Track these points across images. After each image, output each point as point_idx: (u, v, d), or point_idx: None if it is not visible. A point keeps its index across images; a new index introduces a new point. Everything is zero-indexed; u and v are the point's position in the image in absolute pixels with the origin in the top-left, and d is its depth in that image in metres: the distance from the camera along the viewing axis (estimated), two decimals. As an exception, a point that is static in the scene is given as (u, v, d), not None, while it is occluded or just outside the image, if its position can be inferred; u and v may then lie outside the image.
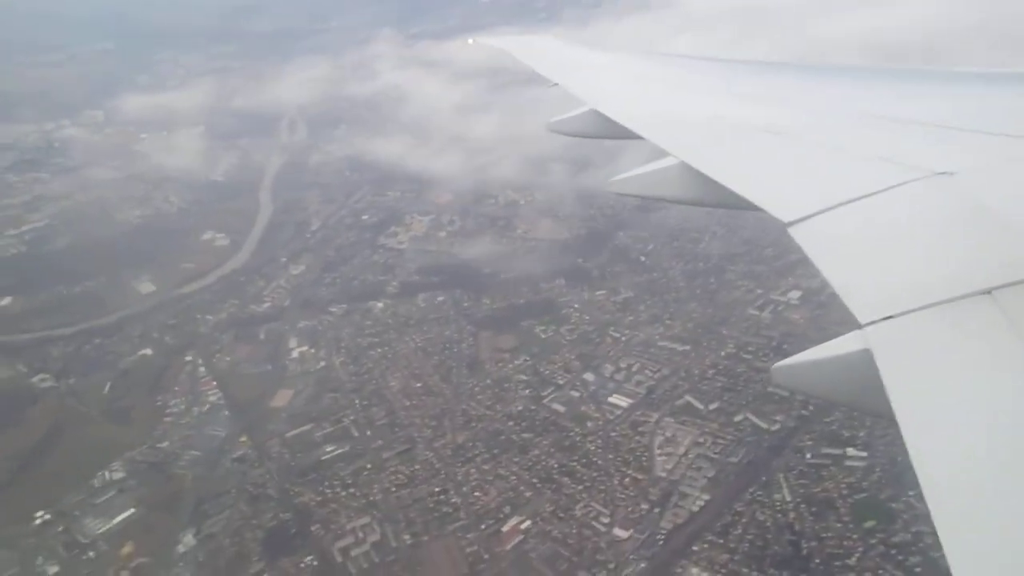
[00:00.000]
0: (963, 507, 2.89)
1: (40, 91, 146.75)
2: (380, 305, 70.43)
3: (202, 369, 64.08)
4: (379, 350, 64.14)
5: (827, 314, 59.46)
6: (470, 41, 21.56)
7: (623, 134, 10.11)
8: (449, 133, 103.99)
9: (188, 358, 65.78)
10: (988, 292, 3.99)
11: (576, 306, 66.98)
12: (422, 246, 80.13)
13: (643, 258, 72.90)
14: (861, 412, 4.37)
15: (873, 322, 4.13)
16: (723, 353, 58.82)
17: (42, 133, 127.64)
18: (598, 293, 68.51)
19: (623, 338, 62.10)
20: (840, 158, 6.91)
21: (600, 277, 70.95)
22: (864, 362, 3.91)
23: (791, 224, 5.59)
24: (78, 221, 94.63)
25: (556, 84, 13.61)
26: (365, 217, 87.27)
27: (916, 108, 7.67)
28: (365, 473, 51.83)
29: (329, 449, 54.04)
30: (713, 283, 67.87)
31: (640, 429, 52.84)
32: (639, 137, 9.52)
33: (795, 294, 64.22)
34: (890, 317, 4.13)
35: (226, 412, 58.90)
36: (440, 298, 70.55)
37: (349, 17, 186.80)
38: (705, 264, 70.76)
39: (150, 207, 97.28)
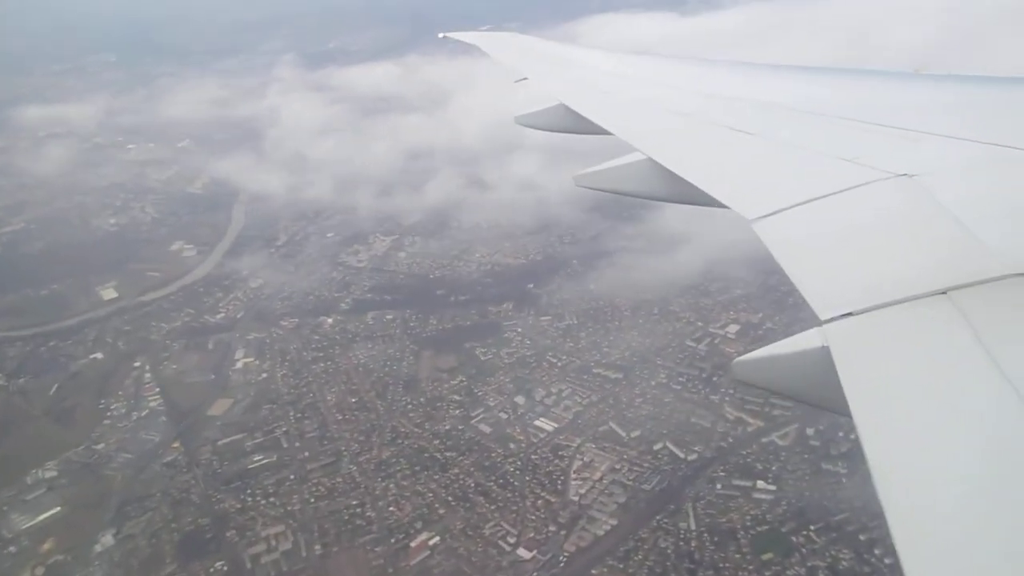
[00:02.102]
0: (915, 501, 2.92)
1: (36, 99, 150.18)
2: (330, 321, 71.73)
3: (148, 375, 65.32)
4: (322, 364, 65.31)
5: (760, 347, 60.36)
6: (440, 36, 21.38)
7: (591, 129, 10.10)
8: (421, 157, 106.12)
9: (136, 364, 67.08)
10: (944, 292, 4.03)
11: (520, 330, 68.09)
12: (381, 265, 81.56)
13: (592, 286, 74.00)
14: (818, 407, 4.30)
15: (832, 319, 4.17)
16: (654, 383, 59.76)
17: (33, 140, 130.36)
18: (543, 318, 69.62)
19: (559, 363, 63.12)
20: (805, 158, 6.99)
21: (548, 303, 72.08)
22: (822, 358, 3.95)
23: (754, 221, 5.72)
24: (55, 226, 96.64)
25: (525, 79, 13.69)
26: (330, 235, 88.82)
27: (882, 110, 7.75)
28: (288, 483, 52.84)
29: (257, 459, 55.07)
30: (656, 313, 68.83)
31: (560, 453, 53.74)
32: (607, 132, 9.57)
33: (733, 328, 65.34)
34: (848, 315, 4.16)
35: (163, 418, 60.05)
36: (389, 316, 71.83)
37: (356, 39, 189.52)
38: (652, 294, 71.71)
39: (126, 216, 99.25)
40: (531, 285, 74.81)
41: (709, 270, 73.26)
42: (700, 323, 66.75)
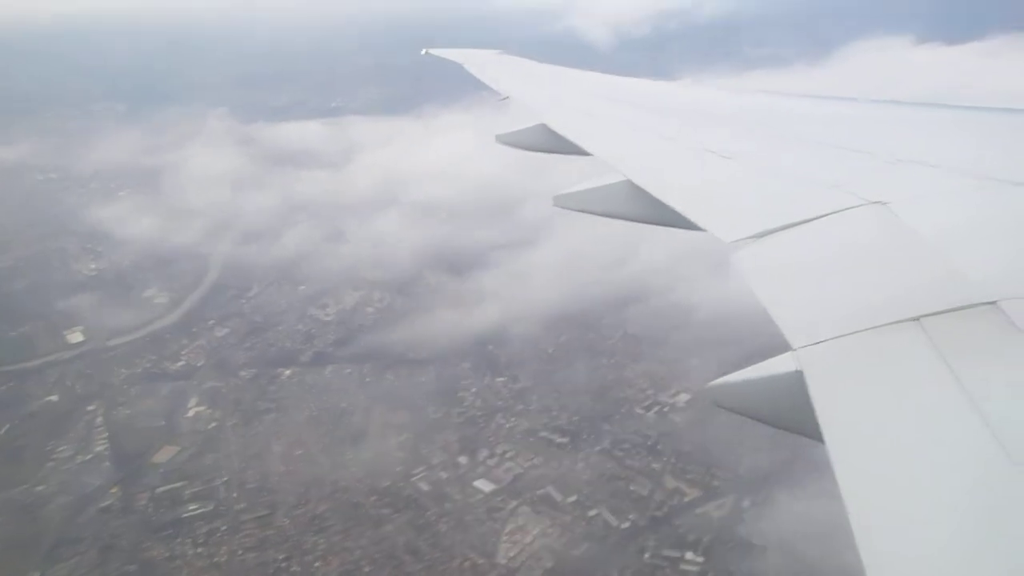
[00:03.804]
0: (883, 523, 2.93)
1: (37, 143, 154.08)
2: (288, 372, 72.09)
3: (100, 419, 65.56)
4: (273, 416, 65.48)
5: (708, 418, 60.63)
6: (424, 52, 21.95)
7: (571, 149, 10.13)
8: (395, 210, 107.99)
9: (91, 407, 67.32)
10: (916, 320, 4.06)
11: (474, 390, 68.29)
12: (347, 319, 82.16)
13: (551, 350, 74.39)
14: (791, 431, 4.26)
15: (805, 346, 4.19)
16: (597, 448, 59.78)
17: (30, 182, 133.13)
18: (498, 379, 69.87)
19: (507, 425, 63.24)
20: (782, 183, 7.03)
21: (505, 364, 72.36)
22: (795, 383, 3.97)
23: (730, 245, 5.79)
24: (37, 268, 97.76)
25: (506, 97, 13.89)
26: (302, 287, 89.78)
27: (859, 137, 7.84)
28: (219, 534, 52.61)
29: (192, 507, 54.93)
30: (610, 379, 69.15)
31: (495, 515, 53.56)
32: (587, 153, 9.64)
33: (684, 397, 65.38)
34: (822, 341, 4.18)
35: (107, 463, 60.13)
36: (348, 371, 72.18)
37: (356, 98, 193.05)
38: (609, 360, 72.14)
39: (106, 260, 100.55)
40: (491, 346, 75.18)
41: (667, 339, 73.65)
42: (651, 391, 66.95)
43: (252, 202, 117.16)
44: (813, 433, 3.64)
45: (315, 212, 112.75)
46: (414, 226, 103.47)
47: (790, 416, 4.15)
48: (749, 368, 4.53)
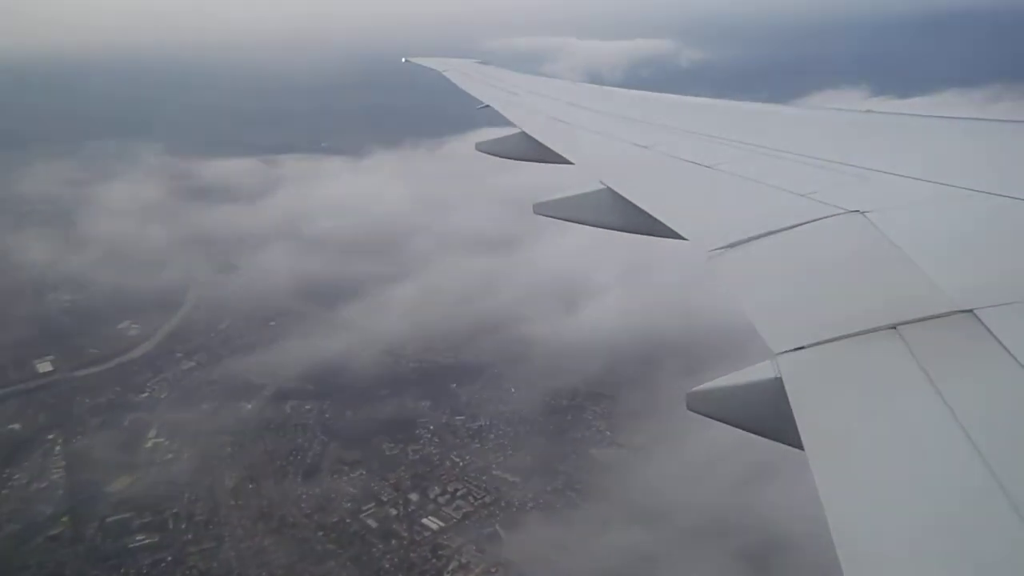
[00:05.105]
0: (862, 528, 2.92)
1: (27, 178, 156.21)
2: (249, 406, 72.47)
3: (58, 448, 65.86)
4: (229, 449, 65.74)
5: (662, 461, 61.08)
6: (403, 60, 22.48)
7: (550, 158, 10.22)
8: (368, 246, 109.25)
9: (50, 436, 67.64)
10: (894, 327, 4.08)
11: (431, 428, 68.67)
12: (313, 354, 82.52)
13: (513, 390, 74.87)
14: (769, 438, 4.21)
15: (784, 352, 4.21)
16: (549, 488, 60.11)
17: (15, 215, 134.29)
18: (457, 418, 70.27)
19: (462, 463, 63.55)
20: (761, 193, 7.06)
21: (465, 403, 72.85)
22: (774, 390, 3.98)
23: (709, 254, 5.80)
24: (11, 299, 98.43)
25: (486, 105, 14.01)
26: (272, 323, 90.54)
27: (836, 146, 8.01)
28: (163, 565, 52.69)
29: (139, 538, 55.05)
30: (569, 420, 69.61)
31: (440, 552, 53.75)
32: (567, 161, 9.73)
33: (639, 439, 65.75)
34: (800, 348, 4.20)
35: (61, 491, 60.29)
36: (307, 406, 72.58)
37: (346, 137, 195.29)
38: (570, 401, 72.56)
39: (82, 293, 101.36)
40: (453, 384, 75.79)
41: (628, 379, 74.06)
42: (609, 432, 67.43)
43: (232, 239, 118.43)
44: (792, 440, 3.65)
45: (306, 249, 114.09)
46: (387, 263, 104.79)
47: (769, 423, 4.16)
48: (728, 375, 4.54)
